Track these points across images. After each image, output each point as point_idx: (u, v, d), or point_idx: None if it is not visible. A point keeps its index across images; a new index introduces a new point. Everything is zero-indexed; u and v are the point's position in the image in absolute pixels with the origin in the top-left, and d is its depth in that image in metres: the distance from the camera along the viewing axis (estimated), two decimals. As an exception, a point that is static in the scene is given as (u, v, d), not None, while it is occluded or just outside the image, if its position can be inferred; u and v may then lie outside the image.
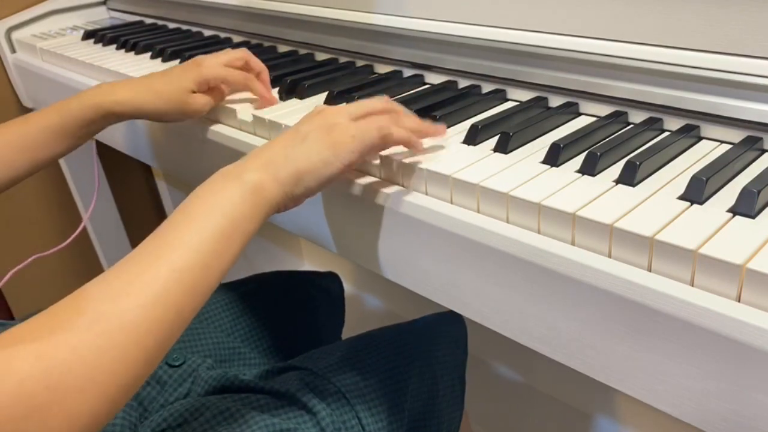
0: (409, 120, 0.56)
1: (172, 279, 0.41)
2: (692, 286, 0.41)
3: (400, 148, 0.57)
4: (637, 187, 0.49)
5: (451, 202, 0.53)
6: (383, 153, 0.57)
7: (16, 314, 1.29)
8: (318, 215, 0.64)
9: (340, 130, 0.52)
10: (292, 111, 0.70)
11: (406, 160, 0.56)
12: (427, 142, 0.58)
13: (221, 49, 0.96)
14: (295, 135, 0.52)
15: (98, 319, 0.37)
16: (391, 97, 0.71)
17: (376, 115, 0.55)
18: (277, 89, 0.78)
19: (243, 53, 0.74)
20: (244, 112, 0.71)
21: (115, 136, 0.94)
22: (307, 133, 0.52)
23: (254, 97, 0.75)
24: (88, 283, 0.40)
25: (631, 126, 0.60)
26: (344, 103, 0.56)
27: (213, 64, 0.71)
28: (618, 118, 0.61)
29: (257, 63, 0.74)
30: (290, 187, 0.50)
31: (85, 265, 1.40)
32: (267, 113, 0.69)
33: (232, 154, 0.71)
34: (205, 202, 0.46)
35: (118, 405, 0.38)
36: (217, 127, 0.73)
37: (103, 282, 0.40)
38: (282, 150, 0.51)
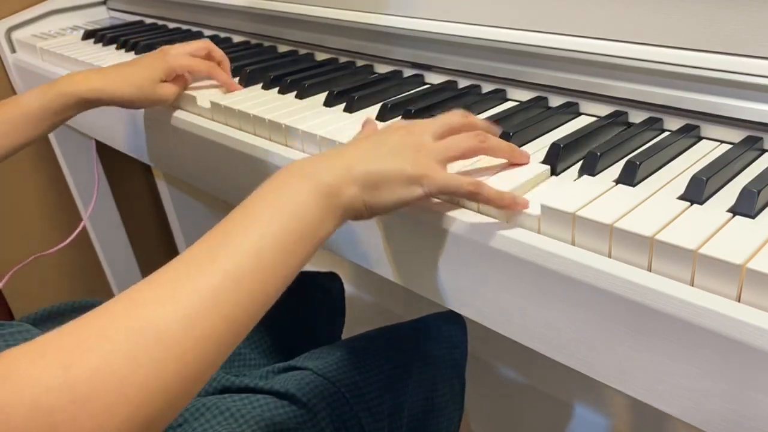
0: (495, 140, 0.51)
1: (226, 288, 0.36)
2: (692, 286, 0.41)
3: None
4: (637, 187, 0.49)
5: (451, 202, 0.53)
6: None
7: (16, 314, 1.29)
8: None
9: (426, 152, 0.47)
10: (294, 110, 0.70)
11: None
12: None
13: (221, 49, 0.97)
14: (379, 144, 0.48)
15: (137, 327, 0.33)
16: (392, 97, 0.72)
17: (465, 137, 0.50)
18: (276, 89, 0.78)
19: (205, 43, 0.79)
20: (245, 112, 0.71)
21: (115, 136, 0.94)
22: (394, 148, 0.47)
23: (251, 96, 0.75)
24: (136, 284, 0.36)
25: (631, 126, 0.60)
26: (426, 120, 0.52)
27: (179, 54, 0.75)
28: (618, 118, 0.61)
29: (219, 52, 0.80)
30: (368, 196, 0.45)
31: (85, 265, 1.40)
32: (266, 114, 0.69)
33: (231, 154, 0.71)
34: (272, 201, 0.41)
35: (154, 428, 0.33)
36: (216, 127, 0.73)
37: (149, 285, 0.36)
38: (364, 155, 0.46)
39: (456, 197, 0.51)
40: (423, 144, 0.48)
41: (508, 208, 0.48)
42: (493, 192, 0.47)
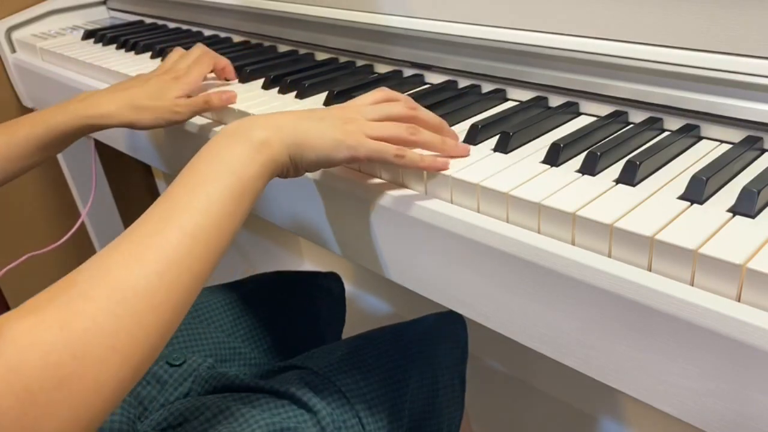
0: (427, 134, 0.54)
1: (185, 243, 0.41)
2: (692, 285, 0.41)
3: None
4: (637, 187, 0.49)
5: (451, 202, 0.53)
6: None
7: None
8: (320, 214, 0.64)
9: (356, 125, 0.52)
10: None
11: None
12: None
13: (221, 49, 0.97)
14: (310, 113, 0.53)
15: (114, 287, 0.37)
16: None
17: (396, 126, 0.53)
18: (276, 89, 0.78)
19: (201, 49, 0.76)
20: (245, 112, 0.71)
21: (115, 135, 0.94)
22: (324, 116, 0.52)
23: (250, 96, 0.75)
24: (102, 249, 0.40)
25: (631, 126, 0.60)
26: (364, 95, 0.56)
27: (190, 76, 0.71)
28: (618, 117, 0.61)
29: (220, 57, 0.79)
30: (294, 153, 0.50)
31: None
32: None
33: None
34: (213, 162, 0.46)
35: (141, 371, 0.38)
36: (215, 127, 0.73)
37: (116, 248, 0.40)
38: (294, 119, 0.51)
39: (383, 162, 0.54)
40: (354, 119, 0.53)
41: (430, 168, 0.53)
42: (416, 156, 0.52)
